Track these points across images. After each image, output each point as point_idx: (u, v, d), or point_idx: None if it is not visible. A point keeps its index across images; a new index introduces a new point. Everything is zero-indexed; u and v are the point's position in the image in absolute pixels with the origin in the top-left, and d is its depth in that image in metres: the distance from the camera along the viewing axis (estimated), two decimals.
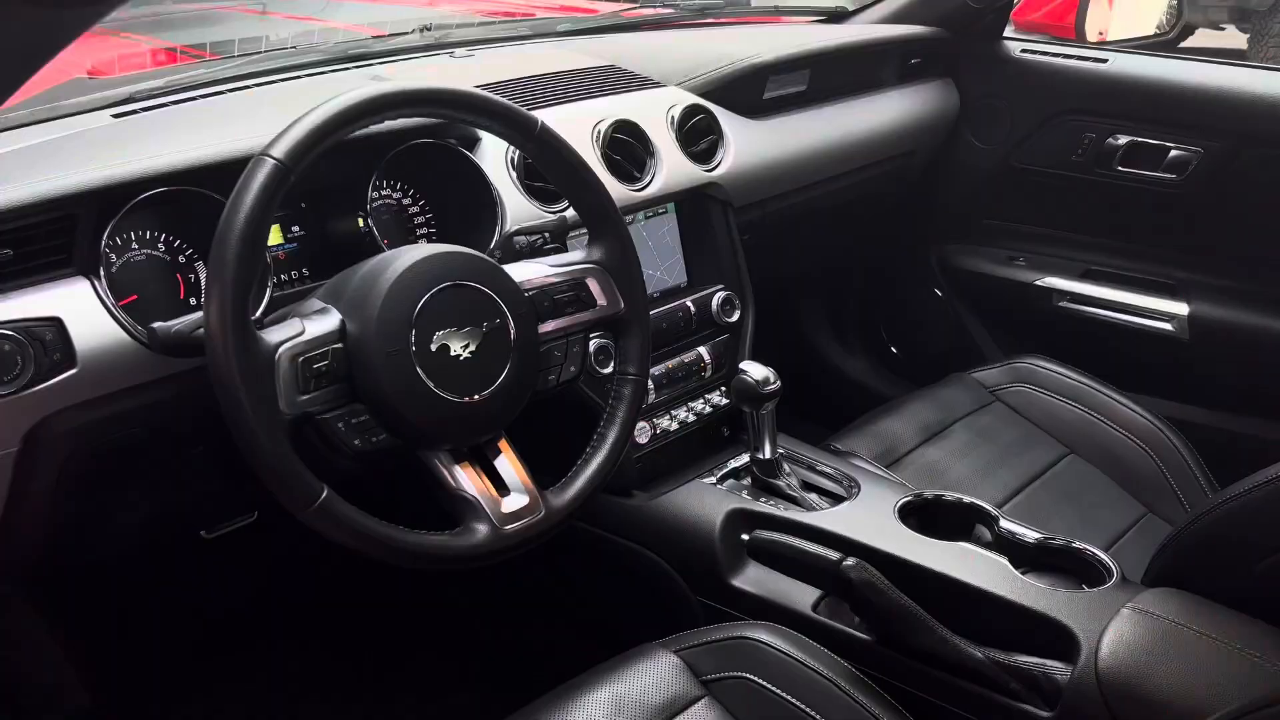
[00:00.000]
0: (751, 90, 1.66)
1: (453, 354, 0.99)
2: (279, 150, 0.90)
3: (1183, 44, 4.95)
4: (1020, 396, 1.74)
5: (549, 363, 1.11)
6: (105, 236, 1.03)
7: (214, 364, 0.87)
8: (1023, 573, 1.20)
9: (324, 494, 0.90)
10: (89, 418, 1.02)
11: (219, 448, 1.03)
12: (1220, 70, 1.79)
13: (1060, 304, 1.99)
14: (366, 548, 0.93)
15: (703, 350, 1.51)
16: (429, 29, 1.77)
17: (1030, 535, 1.26)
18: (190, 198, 1.07)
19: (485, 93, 1.05)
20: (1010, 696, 1.09)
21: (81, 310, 1.01)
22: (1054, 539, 1.25)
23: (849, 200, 1.92)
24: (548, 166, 1.11)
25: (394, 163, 1.23)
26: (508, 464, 1.04)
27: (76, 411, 1.01)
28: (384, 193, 1.29)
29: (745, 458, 1.45)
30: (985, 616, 1.16)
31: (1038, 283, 2.01)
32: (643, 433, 1.43)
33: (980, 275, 2.10)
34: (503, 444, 1.05)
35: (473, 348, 1.00)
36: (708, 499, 1.37)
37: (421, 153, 1.25)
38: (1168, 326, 1.87)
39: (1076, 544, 1.24)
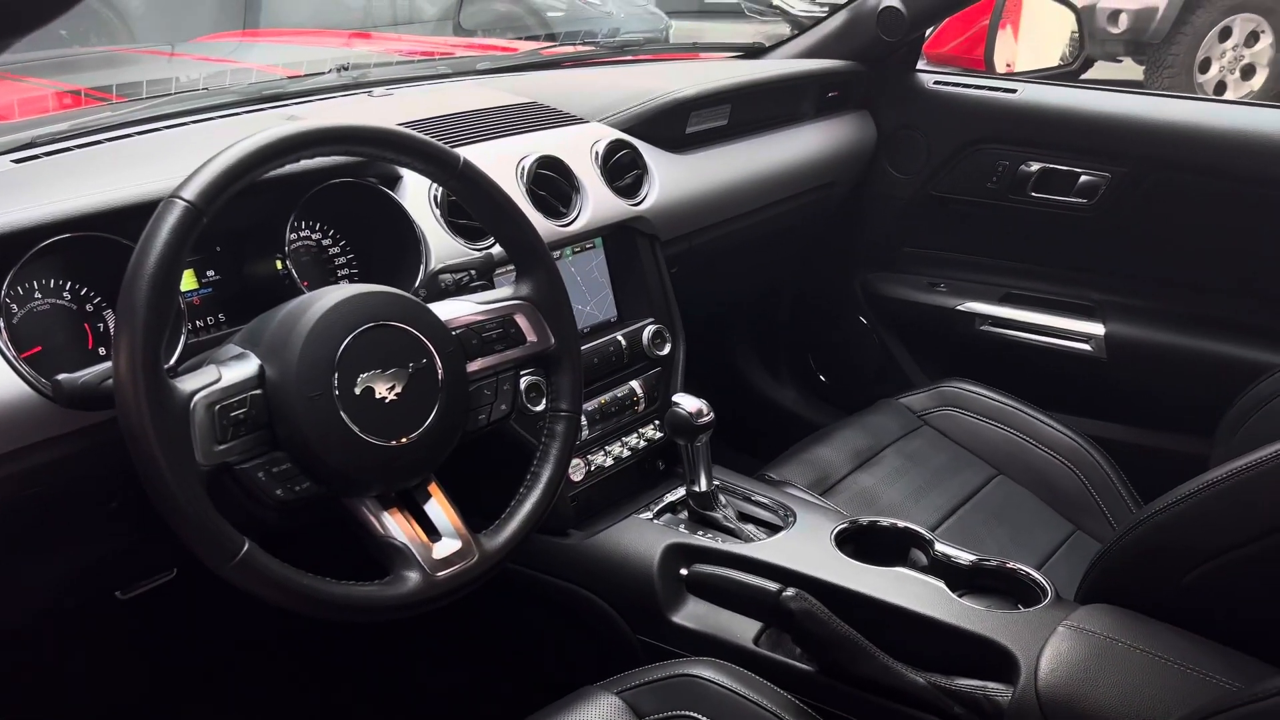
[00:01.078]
0: (674, 125, 1.67)
1: (378, 396, 0.96)
2: (190, 192, 0.87)
3: (1083, 76, 5.15)
4: (947, 420, 1.77)
5: (479, 402, 1.09)
6: (5, 286, 0.98)
7: (124, 416, 0.83)
8: (959, 595, 1.20)
9: (245, 548, 0.86)
10: None
11: (133, 502, 0.98)
12: (1123, 98, 1.86)
13: (982, 328, 2.03)
14: (292, 602, 0.89)
15: (635, 384, 1.50)
16: (345, 69, 1.75)
17: (965, 557, 1.27)
18: (97, 244, 1.03)
19: (405, 129, 1.03)
20: (950, 717, 1.09)
21: None
22: (988, 560, 1.26)
23: (773, 232, 1.93)
24: (471, 203, 1.10)
25: (313, 202, 1.20)
26: (438, 508, 1.01)
27: None
28: (303, 234, 1.26)
29: (681, 491, 1.44)
30: (925, 641, 1.16)
31: (959, 308, 2.05)
32: (577, 470, 1.41)
33: (903, 302, 2.13)
34: (432, 487, 1.02)
35: (399, 389, 0.97)
36: (645, 535, 1.35)
37: (341, 192, 1.23)
38: (1086, 347, 1.91)
39: (1010, 564, 1.25)
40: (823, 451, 1.68)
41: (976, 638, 1.13)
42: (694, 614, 1.28)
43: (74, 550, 1.17)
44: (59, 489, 1.03)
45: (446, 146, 1.05)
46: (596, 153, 1.52)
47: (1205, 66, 5.33)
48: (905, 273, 2.14)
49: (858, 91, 2.04)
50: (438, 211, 1.31)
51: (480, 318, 1.08)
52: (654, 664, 1.14)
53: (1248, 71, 5.45)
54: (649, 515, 1.41)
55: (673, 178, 1.61)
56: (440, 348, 1.01)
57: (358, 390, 0.95)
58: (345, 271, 1.29)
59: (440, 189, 1.31)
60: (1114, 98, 1.86)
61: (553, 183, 1.45)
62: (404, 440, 0.97)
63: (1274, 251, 1.74)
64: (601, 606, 1.35)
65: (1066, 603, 1.18)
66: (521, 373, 1.16)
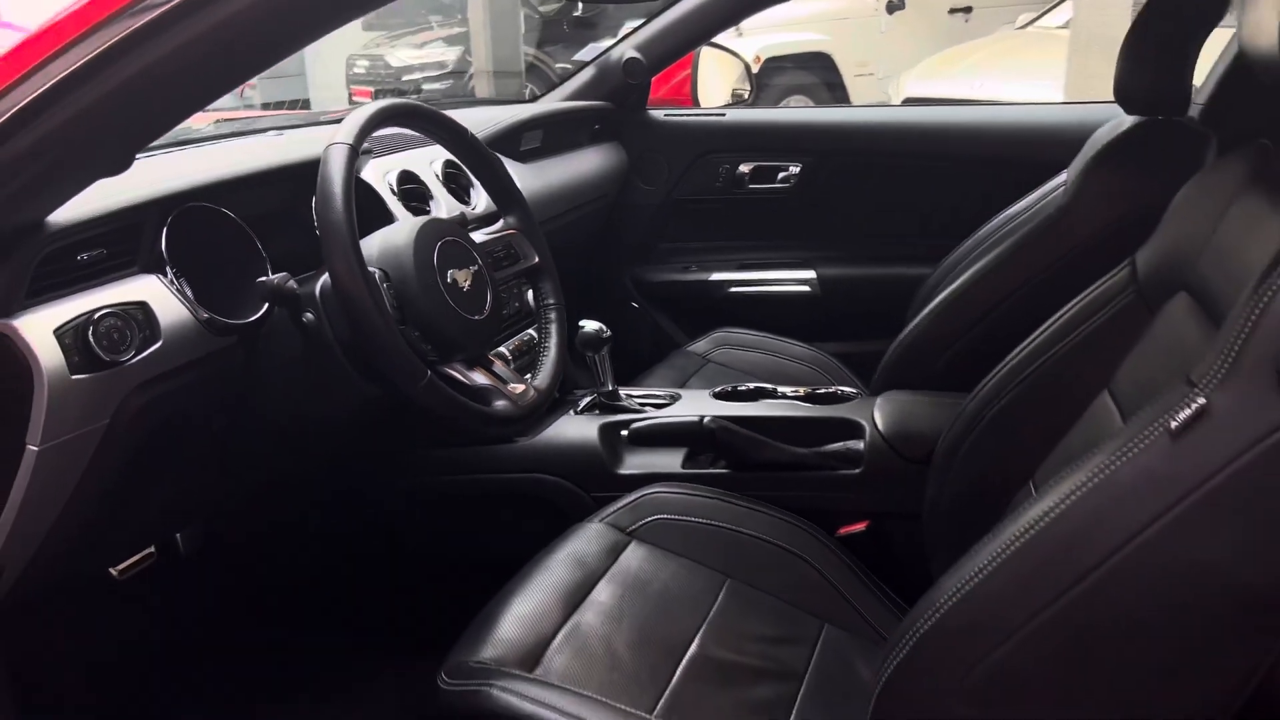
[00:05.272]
0: (514, 142, 2.18)
1: (460, 286, 1.37)
2: (345, 136, 1.25)
3: None
4: (724, 355, 2.38)
5: (504, 300, 1.51)
6: (164, 238, 1.28)
7: (344, 288, 1.19)
8: None
9: (428, 372, 1.24)
10: (158, 391, 1.24)
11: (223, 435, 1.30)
12: (800, 111, 2.63)
13: (730, 290, 2.69)
14: (461, 414, 1.27)
15: (531, 331, 1.96)
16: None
17: (799, 389, 1.87)
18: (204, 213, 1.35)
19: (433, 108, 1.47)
20: (831, 469, 1.67)
21: (156, 295, 1.24)
22: (818, 389, 1.87)
23: (575, 236, 2.47)
24: (474, 164, 1.54)
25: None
26: (499, 368, 1.43)
27: (154, 384, 1.23)
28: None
29: (587, 398, 1.91)
30: (800, 432, 1.73)
31: (710, 279, 2.70)
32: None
33: (666, 283, 2.75)
34: (491, 356, 1.44)
35: (470, 282, 1.39)
36: (579, 423, 1.80)
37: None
38: (806, 288, 2.64)
39: (834, 388, 1.87)
40: (652, 379, 2.22)
41: (833, 419, 1.72)
42: (633, 463, 1.75)
43: (166, 488, 1.39)
44: (191, 409, 1.31)
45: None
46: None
47: None
48: (663, 263, 2.76)
49: (610, 125, 2.66)
50: (392, 194, 1.70)
51: (490, 242, 1.52)
52: (618, 498, 1.60)
53: None
54: (574, 413, 1.87)
55: (524, 178, 2.10)
56: (482, 256, 1.44)
57: (448, 280, 1.36)
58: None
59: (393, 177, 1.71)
60: (794, 112, 2.64)
61: (459, 178, 1.89)
62: (481, 315, 1.39)
63: (916, 200, 2.57)
64: (558, 482, 1.76)
65: (874, 396, 1.81)
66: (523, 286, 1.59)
